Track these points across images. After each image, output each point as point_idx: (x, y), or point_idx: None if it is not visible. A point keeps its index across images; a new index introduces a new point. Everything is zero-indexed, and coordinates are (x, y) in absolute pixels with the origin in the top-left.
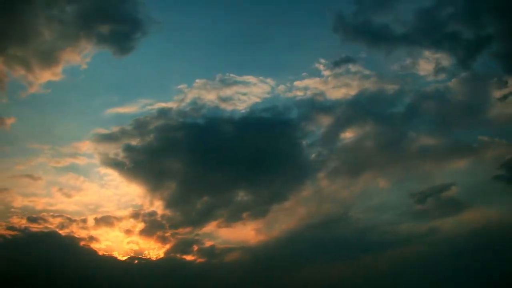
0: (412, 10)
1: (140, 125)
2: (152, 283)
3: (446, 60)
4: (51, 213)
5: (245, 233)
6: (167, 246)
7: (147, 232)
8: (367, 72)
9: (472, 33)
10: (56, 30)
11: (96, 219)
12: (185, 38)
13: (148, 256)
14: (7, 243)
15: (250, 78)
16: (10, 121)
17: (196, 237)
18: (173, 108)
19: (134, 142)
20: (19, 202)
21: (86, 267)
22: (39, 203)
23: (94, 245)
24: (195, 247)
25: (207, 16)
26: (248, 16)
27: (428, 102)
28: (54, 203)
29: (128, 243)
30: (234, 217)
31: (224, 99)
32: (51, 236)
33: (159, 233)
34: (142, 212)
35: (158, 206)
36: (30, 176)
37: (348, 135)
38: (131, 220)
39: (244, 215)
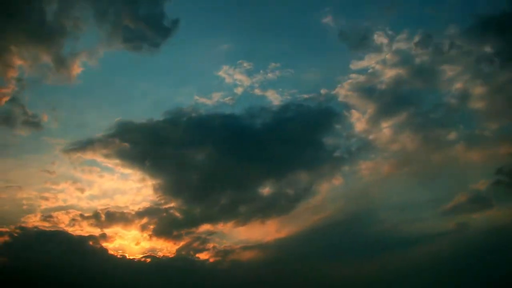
0: None
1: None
2: (165, 282)
3: None
4: (63, 210)
5: (265, 230)
6: (182, 244)
7: (162, 229)
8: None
9: None
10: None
11: (109, 216)
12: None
13: (162, 254)
14: (18, 241)
15: None
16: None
17: (210, 236)
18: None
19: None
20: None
21: (97, 265)
22: (54, 199)
23: (106, 244)
24: (211, 245)
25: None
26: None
27: None
28: (68, 198)
29: (141, 241)
30: (255, 214)
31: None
32: (62, 234)
33: (175, 231)
34: (158, 208)
35: (176, 202)
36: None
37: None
38: (146, 217)
39: (266, 212)
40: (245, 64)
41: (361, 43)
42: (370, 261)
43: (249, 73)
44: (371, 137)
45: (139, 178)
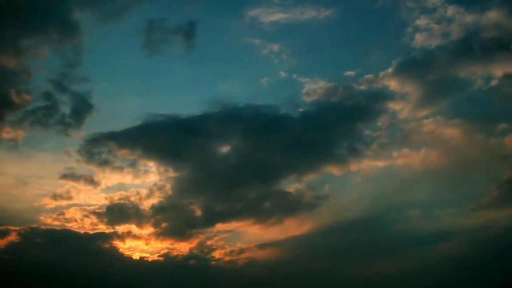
0: None
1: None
2: (179, 282)
3: None
4: (77, 206)
5: (284, 228)
6: (197, 241)
7: (178, 226)
8: None
9: None
10: None
11: (123, 212)
12: None
13: (176, 253)
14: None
15: None
16: None
17: (226, 234)
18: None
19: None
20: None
21: (109, 265)
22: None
23: (118, 242)
24: (227, 244)
25: None
26: None
27: None
28: (83, 194)
29: (155, 239)
30: (277, 212)
31: None
32: (72, 233)
33: (191, 228)
34: (176, 204)
35: (195, 198)
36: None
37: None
38: (162, 214)
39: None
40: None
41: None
42: (405, 258)
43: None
44: (412, 126)
45: (159, 172)
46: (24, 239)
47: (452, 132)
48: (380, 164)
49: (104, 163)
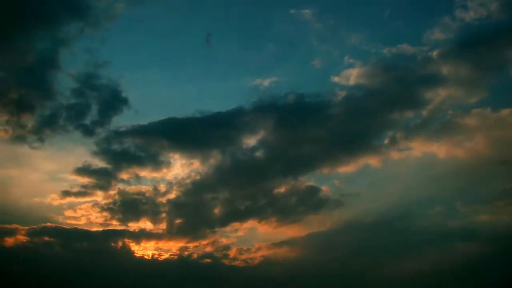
0: None
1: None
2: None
3: None
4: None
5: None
6: (212, 241)
7: (193, 224)
8: None
9: None
10: None
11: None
12: None
13: (190, 252)
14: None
15: None
16: None
17: (243, 232)
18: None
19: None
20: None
21: (120, 265)
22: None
23: (131, 242)
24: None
25: None
26: None
27: None
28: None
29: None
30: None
31: None
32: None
33: (207, 227)
34: (191, 200)
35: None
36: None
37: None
38: (178, 209)
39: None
40: None
41: None
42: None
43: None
44: (458, 114)
45: (180, 167)
46: (38, 237)
47: (501, 122)
48: (420, 155)
49: (124, 157)
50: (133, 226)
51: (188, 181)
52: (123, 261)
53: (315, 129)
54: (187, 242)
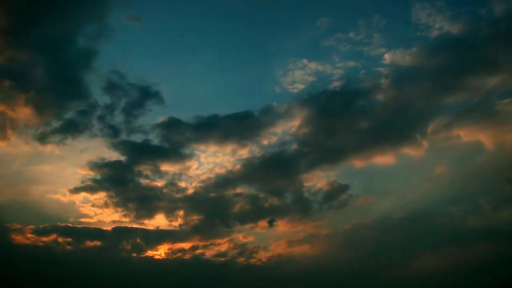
0: None
1: None
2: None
3: None
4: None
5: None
6: (227, 239)
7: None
8: None
9: None
10: None
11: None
12: None
13: (202, 252)
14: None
15: None
16: None
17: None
18: None
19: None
20: None
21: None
22: None
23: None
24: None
25: None
26: None
27: None
28: None
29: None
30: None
31: None
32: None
33: (224, 226)
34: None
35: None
36: None
37: None
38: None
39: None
40: None
41: None
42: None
43: None
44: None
45: (204, 161)
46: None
47: None
48: (465, 145)
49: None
50: (149, 223)
51: (210, 175)
52: (136, 260)
53: (352, 118)
54: (204, 240)
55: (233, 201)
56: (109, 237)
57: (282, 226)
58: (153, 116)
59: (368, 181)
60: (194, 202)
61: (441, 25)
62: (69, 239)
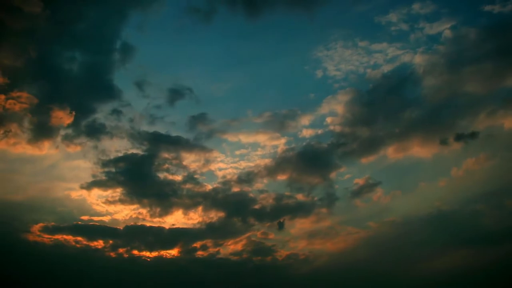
0: None
1: None
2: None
3: None
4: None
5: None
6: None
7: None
8: None
9: None
10: None
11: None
12: None
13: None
14: None
15: None
16: None
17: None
18: None
19: None
20: None
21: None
22: None
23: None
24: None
25: None
26: None
27: None
28: None
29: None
30: None
31: None
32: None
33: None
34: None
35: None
36: None
37: None
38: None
39: None
40: None
41: None
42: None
43: None
44: None
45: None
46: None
47: None
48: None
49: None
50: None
51: (234, 170)
52: (151, 258)
53: (397, 106)
54: (221, 238)
55: (256, 198)
56: (126, 234)
57: (307, 224)
58: (182, 110)
59: (403, 175)
60: (214, 199)
61: None
62: (80, 238)
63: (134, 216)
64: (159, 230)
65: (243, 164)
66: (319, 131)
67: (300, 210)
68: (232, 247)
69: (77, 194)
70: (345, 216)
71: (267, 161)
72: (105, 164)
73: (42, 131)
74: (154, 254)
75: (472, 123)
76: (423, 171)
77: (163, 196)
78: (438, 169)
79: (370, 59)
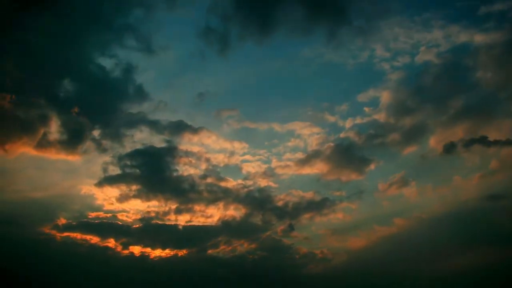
0: None
1: None
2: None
3: None
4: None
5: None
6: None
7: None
8: None
9: None
10: None
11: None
12: None
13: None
14: None
15: None
16: None
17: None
18: None
19: None
20: None
21: None
22: None
23: None
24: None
25: None
26: None
27: None
28: None
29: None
30: None
31: None
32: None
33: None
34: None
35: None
36: None
37: None
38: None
39: None
40: None
41: None
42: None
43: None
44: None
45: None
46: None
47: None
48: None
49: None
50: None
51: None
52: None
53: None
54: (243, 237)
55: (279, 194)
56: (144, 231)
57: (334, 220)
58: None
59: (440, 168)
60: (236, 195)
61: None
62: (93, 235)
63: (148, 212)
64: (174, 228)
65: (270, 157)
66: (358, 121)
67: (325, 206)
68: (250, 245)
69: (92, 190)
70: (373, 213)
71: (298, 154)
72: (121, 158)
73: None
74: (169, 252)
75: None
76: (461, 165)
77: (181, 192)
78: (477, 163)
79: (423, 38)
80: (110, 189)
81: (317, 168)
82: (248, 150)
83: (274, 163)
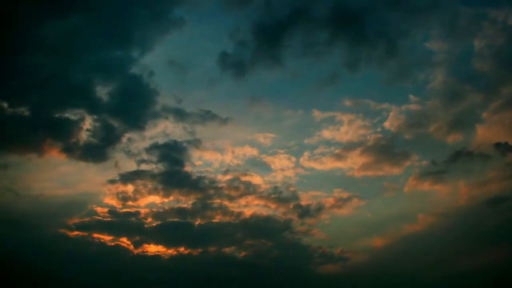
0: None
1: None
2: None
3: None
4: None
5: None
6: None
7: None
8: None
9: None
10: None
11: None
12: None
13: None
14: None
15: None
16: None
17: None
18: None
19: None
20: None
21: None
22: None
23: None
24: None
25: None
26: None
27: None
28: None
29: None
30: None
31: None
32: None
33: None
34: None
35: None
36: None
37: None
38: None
39: None
40: None
41: None
42: None
43: None
44: None
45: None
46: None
47: None
48: None
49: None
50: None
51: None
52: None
53: None
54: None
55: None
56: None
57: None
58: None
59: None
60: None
61: None
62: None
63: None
64: (190, 226)
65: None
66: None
67: (351, 203)
68: (268, 244)
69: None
70: (400, 209)
71: (332, 148)
72: (139, 152)
73: None
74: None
75: None
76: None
77: (200, 188)
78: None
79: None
80: (124, 186)
81: (349, 162)
82: (276, 143)
83: (305, 157)
